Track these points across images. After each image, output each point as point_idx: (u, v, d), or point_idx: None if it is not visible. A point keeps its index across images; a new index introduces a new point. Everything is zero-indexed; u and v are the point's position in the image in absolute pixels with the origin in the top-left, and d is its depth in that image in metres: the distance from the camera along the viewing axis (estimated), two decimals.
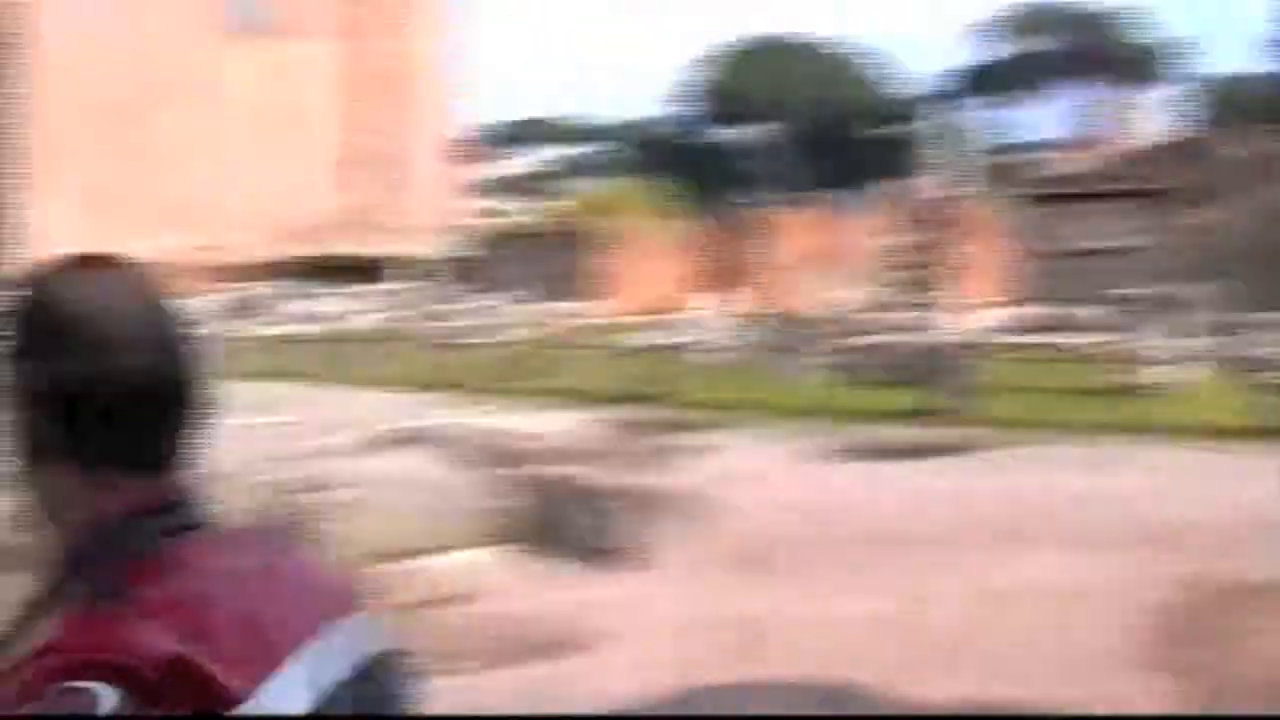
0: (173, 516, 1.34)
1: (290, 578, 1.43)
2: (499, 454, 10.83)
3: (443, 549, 9.28)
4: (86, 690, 1.16)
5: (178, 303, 1.42)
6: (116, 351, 1.30)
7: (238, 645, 1.24)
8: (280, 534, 1.57)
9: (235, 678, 1.21)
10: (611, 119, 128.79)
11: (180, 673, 1.19)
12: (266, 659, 1.26)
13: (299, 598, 1.39)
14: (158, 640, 1.20)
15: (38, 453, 1.31)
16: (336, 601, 1.44)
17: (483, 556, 9.36)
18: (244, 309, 49.60)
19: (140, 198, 75.40)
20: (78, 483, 1.31)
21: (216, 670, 1.20)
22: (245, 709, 1.20)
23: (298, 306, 51.40)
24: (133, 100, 76.93)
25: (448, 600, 8.84)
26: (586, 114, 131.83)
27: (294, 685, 1.27)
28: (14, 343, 1.33)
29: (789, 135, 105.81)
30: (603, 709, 6.87)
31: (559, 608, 8.76)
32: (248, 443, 10.72)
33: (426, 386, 25.38)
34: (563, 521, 9.98)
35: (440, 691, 6.74)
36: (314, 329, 41.33)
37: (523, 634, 8.22)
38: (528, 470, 10.47)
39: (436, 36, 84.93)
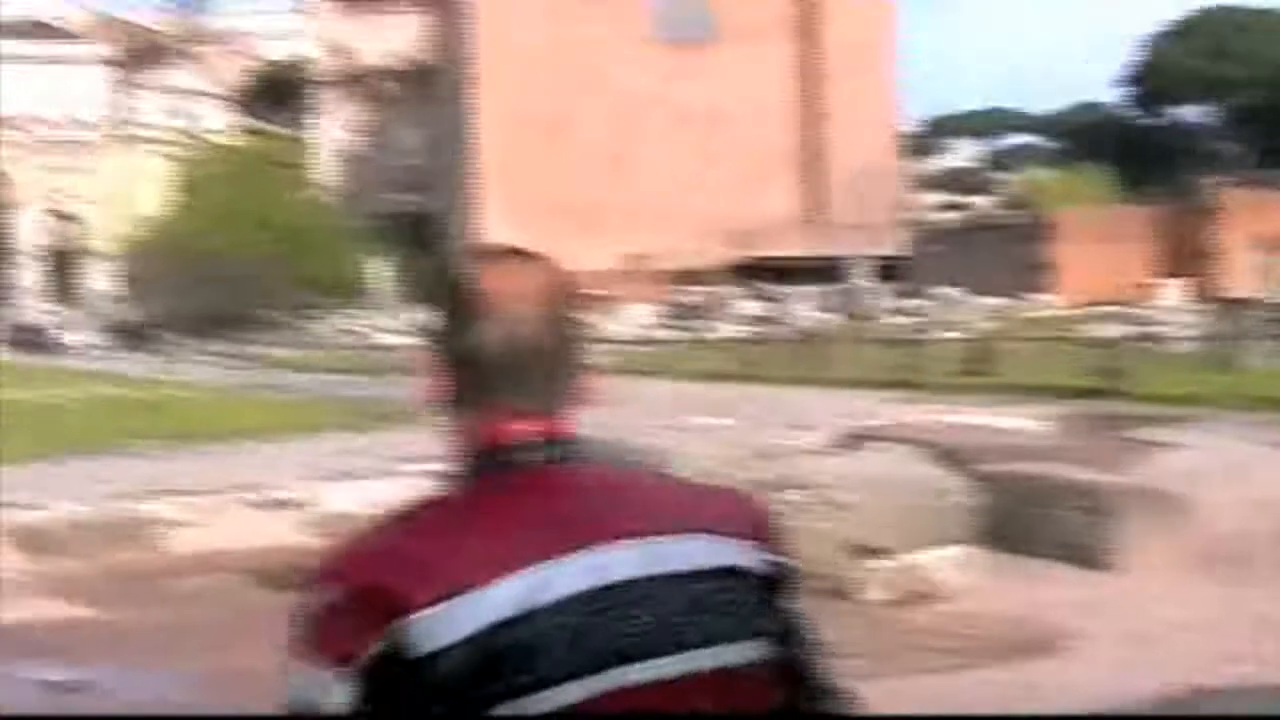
0: (534, 451, 1.66)
1: (603, 498, 1.67)
2: (964, 451, 10.82)
3: (914, 547, 9.34)
4: (318, 679, 1.53)
5: (571, 287, 1.84)
6: (510, 322, 1.67)
7: (451, 571, 1.52)
8: (637, 461, 1.82)
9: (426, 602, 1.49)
10: (1050, 108, 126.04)
11: (373, 600, 1.51)
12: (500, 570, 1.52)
13: (592, 517, 1.62)
14: (378, 563, 1.56)
15: (454, 397, 1.69)
16: (657, 521, 1.64)
17: (954, 555, 9.38)
18: (698, 311, 50.77)
19: (592, 207, 78.05)
20: (472, 420, 1.67)
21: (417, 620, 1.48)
22: (424, 614, 1.48)
23: (750, 307, 52.18)
24: (572, 112, 79.72)
25: (919, 599, 8.91)
26: (1023, 104, 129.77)
27: (490, 600, 1.50)
28: (447, 310, 1.73)
29: (1241, 112, 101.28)
30: (1075, 710, 6.81)
31: (1030, 608, 8.71)
32: (717, 442, 11.07)
33: (883, 384, 25.44)
34: (1032, 520, 9.91)
35: (909, 691, 6.84)
36: (767, 330, 41.88)
37: (994, 634, 8.21)
38: (994, 467, 10.42)
39: (878, 32, 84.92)
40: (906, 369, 25.99)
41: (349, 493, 12.12)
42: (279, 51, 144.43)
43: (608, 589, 1.55)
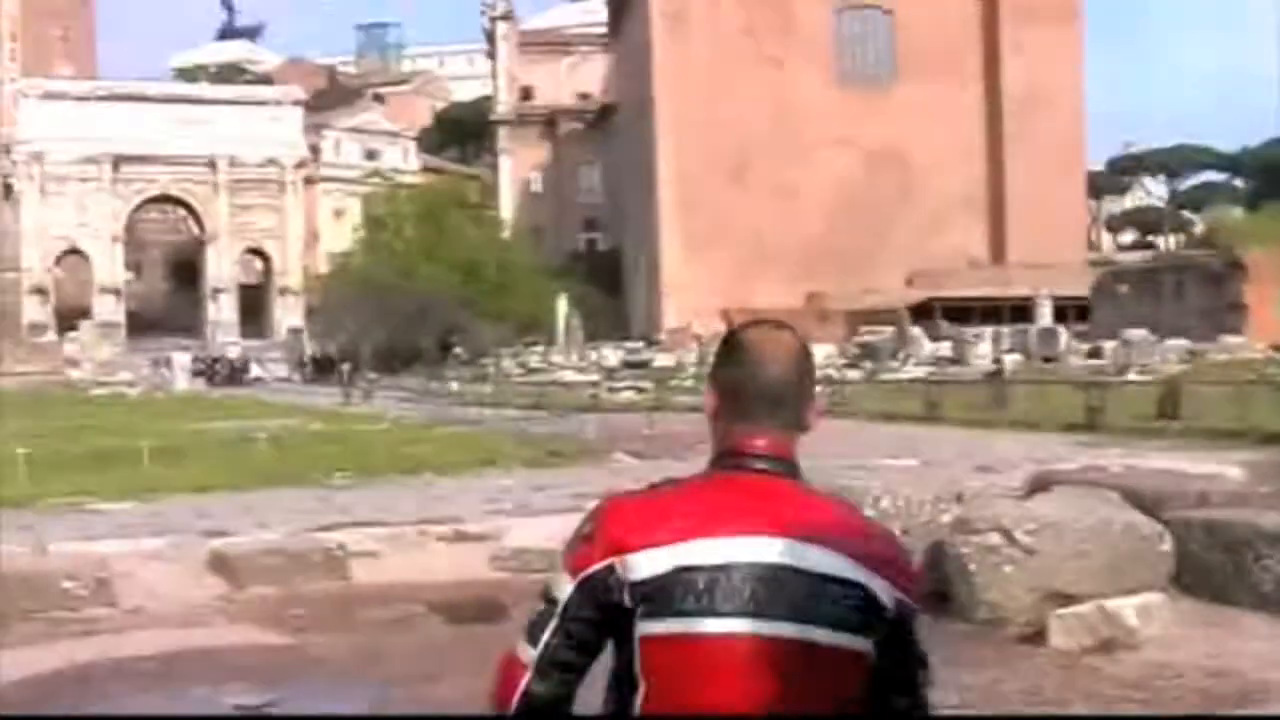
0: (759, 461, 2.45)
1: (795, 511, 2.40)
2: (1157, 496, 10.57)
3: (1106, 593, 9.13)
4: (560, 579, 2.44)
5: (805, 342, 2.57)
6: (759, 366, 2.48)
7: (670, 534, 2.35)
8: (833, 495, 2.60)
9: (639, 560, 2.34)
10: (1239, 144, 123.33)
11: (607, 540, 2.39)
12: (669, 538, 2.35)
13: (778, 523, 2.37)
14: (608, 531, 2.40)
15: (718, 413, 2.52)
16: (817, 531, 2.38)
17: (1147, 602, 9.15)
18: (881, 351, 50.44)
19: (775, 246, 78.07)
20: (724, 431, 2.50)
21: (633, 565, 2.34)
22: (634, 556, 2.34)
23: (933, 348, 51.69)
24: (755, 151, 79.87)
25: (1111, 646, 8.71)
26: (1211, 140, 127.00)
27: (680, 571, 2.32)
28: (718, 359, 2.56)
29: None
30: None
31: (1225, 658, 8.46)
32: (902, 482, 10.94)
33: (1070, 427, 25.01)
34: (1227, 568, 9.65)
35: None
36: (951, 371, 41.45)
37: (1187, 684, 7.99)
38: (1188, 513, 10.16)
39: (1063, 70, 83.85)
40: (1094, 412, 25.49)
41: (529, 528, 12.23)
42: (465, 92, 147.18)
43: (755, 564, 2.32)
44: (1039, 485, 11.07)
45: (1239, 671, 8.12)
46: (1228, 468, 13.58)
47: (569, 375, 52.12)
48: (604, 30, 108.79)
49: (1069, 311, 61.06)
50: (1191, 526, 9.88)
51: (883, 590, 2.38)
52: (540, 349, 67.25)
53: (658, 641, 2.35)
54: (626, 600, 2.35)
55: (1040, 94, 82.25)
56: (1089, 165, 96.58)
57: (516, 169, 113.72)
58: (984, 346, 47.59)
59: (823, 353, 51.66)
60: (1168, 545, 9.75)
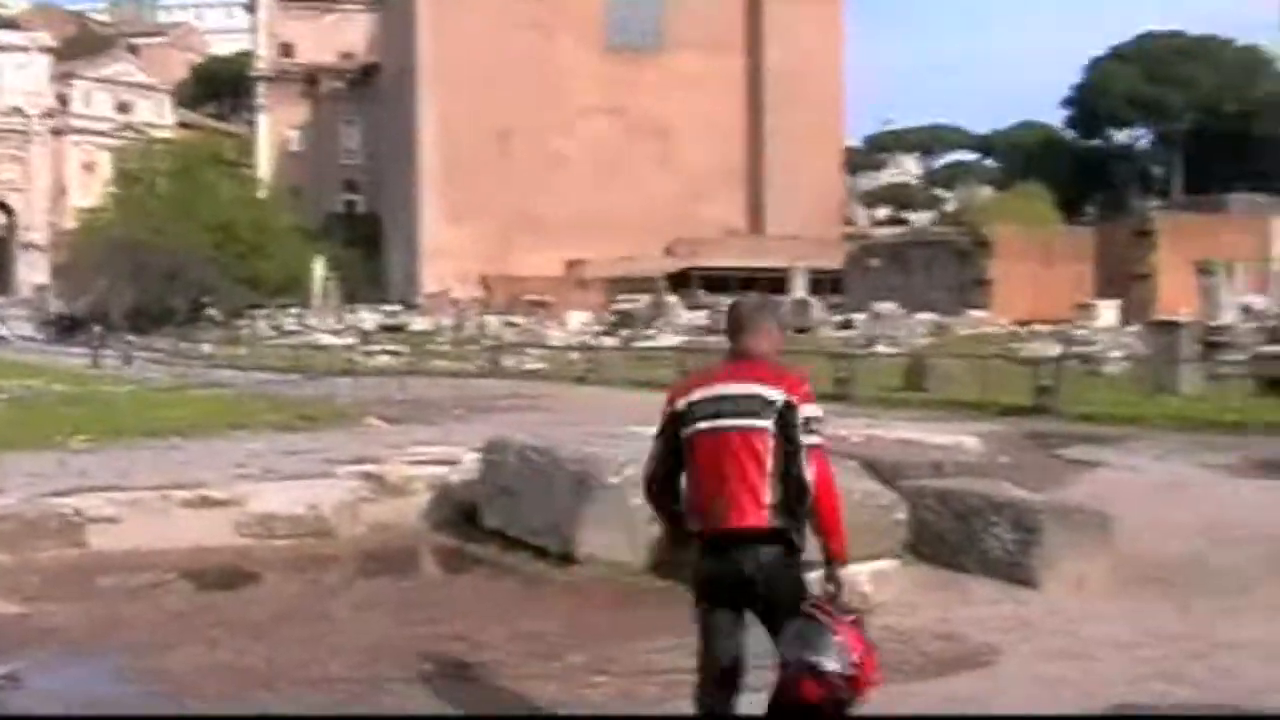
0: (734, 358, 5.58)
1: (744, 372, 5.45)
2: (897, 465, 10.86)
3: (848, 559, 9.34)
4: (664, 411, 5.60)
5: (766, 300, 6.32)
6: (735, 315, 5.68)
7: (695, 388, 5.53)
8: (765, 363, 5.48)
9: (683, 400, 5.49)
10: (990, 127, 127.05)
11: (673, 396, 5.59)
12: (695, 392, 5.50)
13: (735, 378, 5.45)
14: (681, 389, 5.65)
15: (731, 335, 5.65)
16: (760, 378, 5.38)
17: (884, 568, 9.40)
18: (638, 319, 50.75)
19: (537, 214, 78.00)
20: (733, 345, 5.61)
21: (680, 403, 5.50)
22: (680, 402, 5.50)
23: (690, 317, 52.16)
24: (518, 118, 79.64)
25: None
26: (964, 122, 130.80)
27: (694, 403, 5.43)
28: (730, 316, 5.71)
29: (1177, 136, 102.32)
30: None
31: (958, 623, 8.74)
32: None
33: (820, 397, 25.47)
34: (962, 535, 9.95)
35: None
36: (706, 340, 41.87)
37: (920, 648, 8.22)
38: (927, 482, 10.46)
39: (824, 49, 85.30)
40: (843, 382, 26.07)
41: (276, 494, 12.07)
42: (224, 47, 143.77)
43: (718, 396, 5.37)
44: None
45: (966, 635, 8.41)
46: (966, 438, 13.99)
47: (325, 338, 51.43)
48: None
49: (824, 284, 62.21)
50: (926, 495, 10.18)
51: (774, 394, 5.29)
52: (296, 311, 66.23)
53: (687, 441, 5.41)
54: (679, 420, 5.46)
55: (801, 70, 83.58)
56: (847, 142, 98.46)
57: (275, 127, 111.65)
58: None
59: (579, 320, 51.87)
60: (903, 513, 10.03)
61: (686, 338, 43.65)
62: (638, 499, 10.20)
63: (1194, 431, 19.53)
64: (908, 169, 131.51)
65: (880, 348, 36.07)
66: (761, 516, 5.15)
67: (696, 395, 5.37)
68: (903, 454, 11.08)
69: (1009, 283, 51.64)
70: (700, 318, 51.27)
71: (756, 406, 5.21)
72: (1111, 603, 8.71)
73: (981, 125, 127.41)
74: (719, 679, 5.32)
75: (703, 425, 5.28)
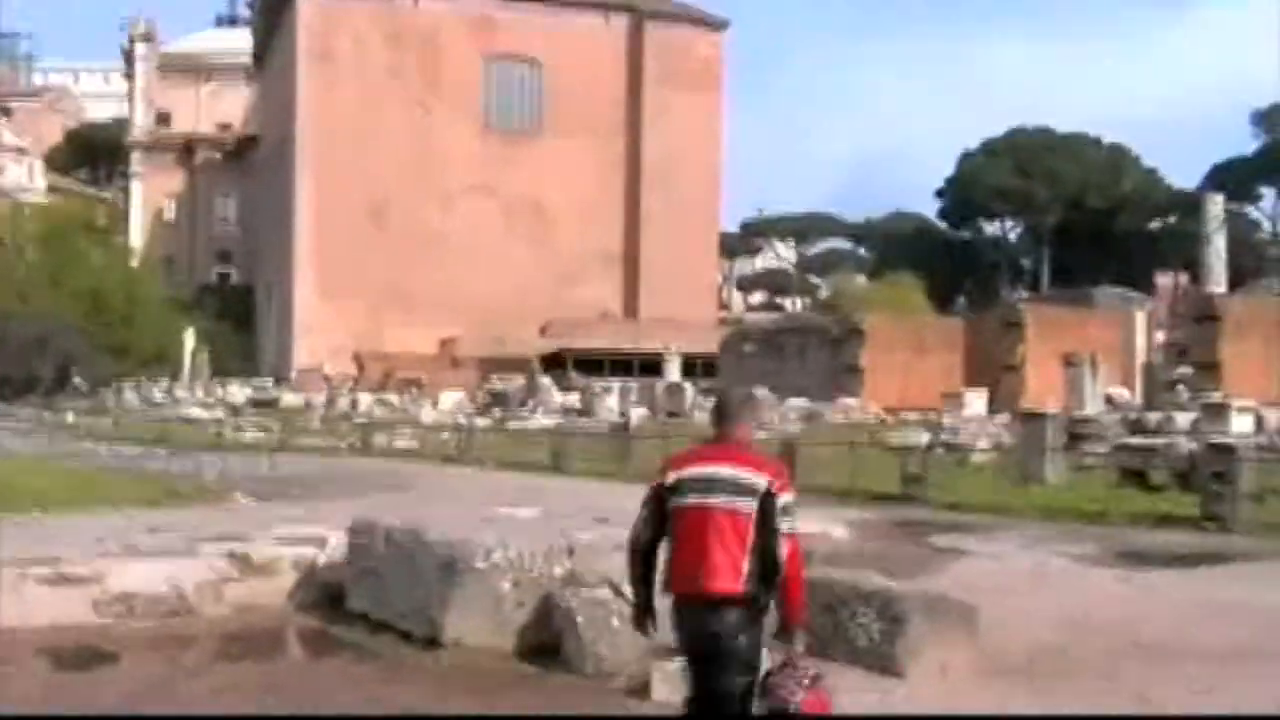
0: (719, 441, 6.48)
1: (730, 456, 6.31)
2: None
3: None
4: (652, 487, 6.48)
5: (748, 394, 7.48)
6: (719, 404, 6.67)
7: (684, 465, 6.38)
8: (741, 447, 6.38)
9: (673, 475, 6.35)
10: (864, 215, 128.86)
11: (664, 470, 6.48)
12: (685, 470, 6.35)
13: (722, 460, 6.28)
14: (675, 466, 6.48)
15: (715, 423, 6.60)
16: (746, 464, 6.26)
17: None
18: (511, 400, 50.64)
19: (411, 291, 77.71)
20: (713, 430, 6.57)
21: (670, 477, 6.33)
22: (671, 477, 6.34)
23: (563, 399, 52.13)
24: (395, 194, 79.50)
25: None
26: (838, 210, 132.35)
27: (683, 479, 6.27)
28: (717, 404, 6.72)
29: (1048, 229, 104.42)
30: None
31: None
32: (521, 534, 11.01)
33: None
34: (829, 624, 9.99)
35: None
36: (579, 422, 41.87)
37: None
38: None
39: (702, 135, 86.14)
40: None
41: (138, 571, 11.84)
42: (100, 112, 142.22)
43: (709, 476, 6.18)
44: None
45: None
46: (834, 527, 14.08)
47: (194, 411, 50.76)
48: (248, 59, 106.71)
49: (697, 367, 62.52)
50: None
51: (759, 480, 6.11)
52: (165, 383, 65.33)
53: (673, 512, 6.19)
54: (667, 493, 6.24)
55: (678, 156, 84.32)
56: (723, 227, 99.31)
57: (150, 196, 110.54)
58: (612, 399, 48.27)
59: (452, 399, 51.63)
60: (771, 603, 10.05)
61: (560, 419, 43.63)
62: (505, 583, 10.22)
63: (1058, 521, 19.82)
64: (783, 255, 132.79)
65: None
66: (737, 584, 6.03)
67: (686, 472, 6.25)
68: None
69: (880, 371, 52.22)
70: (573, 400, 51.29)
71: (743, 489, 6.10)
72: (974, 692, 8.78)
73: (856, 214, 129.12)
74: (698, 698, 6.31)
75: (691, 500, 6.15)
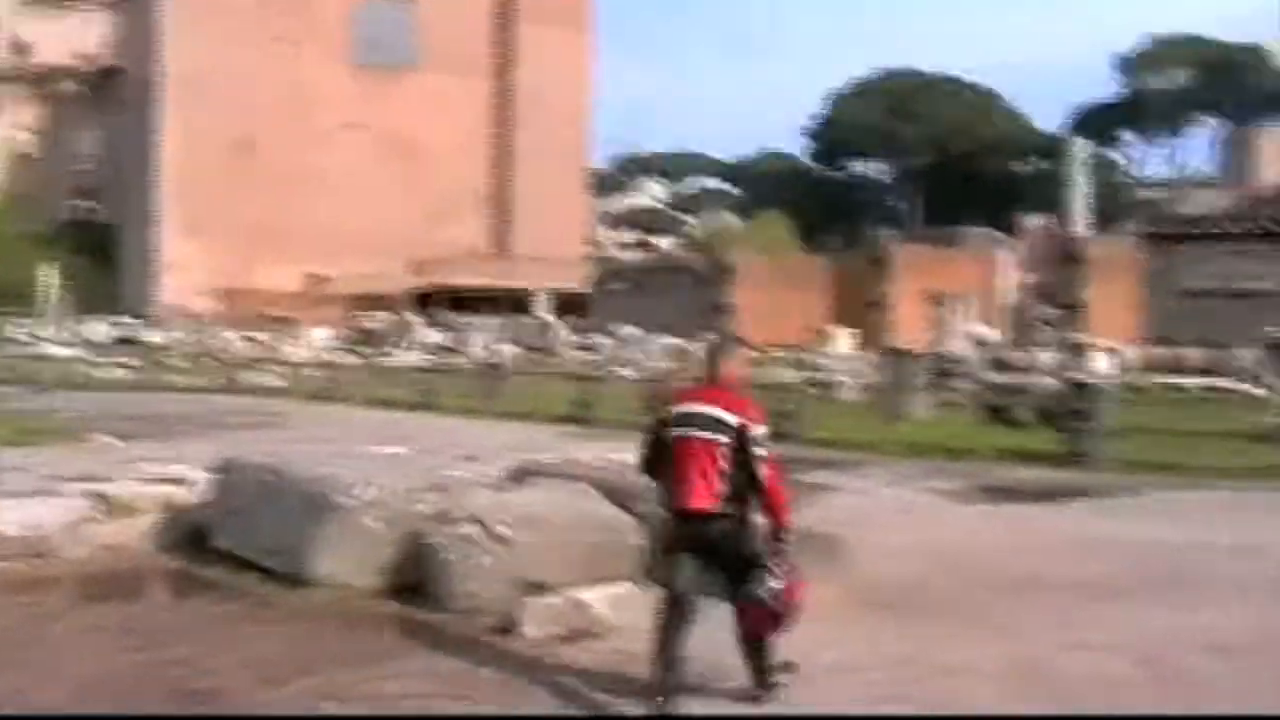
0: (707, 382, 7.63)
1: (712, 396, 7.44)
2: (637, 489, 10.87)
3: (578, 584, 9.34)
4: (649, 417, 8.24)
5: (729, 338, 9.31)
6: (707, 351, 7.95)
7: (674, 403, 7.61)
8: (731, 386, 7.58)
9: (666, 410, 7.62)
10: (736, 155, 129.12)
11: (659, 402, 8.37)
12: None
13: (705, 400, 7.43)
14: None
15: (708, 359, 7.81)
16: (722, 404, 7.37)
17: (618, 592, 9.40)
18: (379, 337, 50.27)
19: (279, 227, 76.73)
20: (707, 364, 7.73)
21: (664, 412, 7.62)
22: (670, 410, 7.56)
23: (431, 336, 51.82)
24: (262, 129, 78.32)
25: (580, 636, 8.90)
26: (710, 149, 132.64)
27: (676, 415, 7.51)
28: (706, 350, 8.03)
29: (917, 170, 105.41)
30: None
31: (694, 647, 8.76)
32: (387, 471, 10.91)
33: (559, 419, 25.61)
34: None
35: None
36: (447, 359, 41.65)
37: (646, 673, 8.24)
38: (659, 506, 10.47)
39: (573, 72, 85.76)
40: (583, 405, 26.16)
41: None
42: None
43: (689, 413, 7.36)
44: (519, 477, 11.22)
45: (697, 657, 8.44)
46: None
47: (53, 350, 49.70)
48: None
49: (567, 306, 62.46)
50: (657, 518, 10.20)
51: (730, 417, 7.23)
52: (23, 321, 63.92)
53: (667, 442, 7.37)
54: (663, 425, 7.47)
55: (549, 93, 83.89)
56: (594, 165, 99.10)
57: (6, 129, 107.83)
58: (481, 337, 48.10)
59: (321, 337, 51.14)
60: (639, 538, 10.07)
61: (429, 356, 43.36)
62: (373, 520, 10.12)
63: (925, 457, 20.11)
64: (654, 194, 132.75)
65: (621, 371, 36.28)
66: (713, 503, 7.24)
67: (678, 409, 7.49)
68: (638, 478, 11.07)
69: (749, 309, 52.39)
70: (443, 338, 51.03)
71: (716, 425, 7.27)
72: (840, 627, 8.84)
73: (727, 153, 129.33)
74: (674, 603, 7.43)
75: (677, 432, 7.37)
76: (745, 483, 7.29)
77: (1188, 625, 9.50)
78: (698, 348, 45.42)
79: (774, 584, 7.29)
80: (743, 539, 7.37)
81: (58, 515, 11.62)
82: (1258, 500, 16.15)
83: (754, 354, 43.19)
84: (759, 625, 7.42)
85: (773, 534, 7.42)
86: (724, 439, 7.23)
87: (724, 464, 7.23)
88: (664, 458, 7.47)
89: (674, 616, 7.45)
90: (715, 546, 7.33)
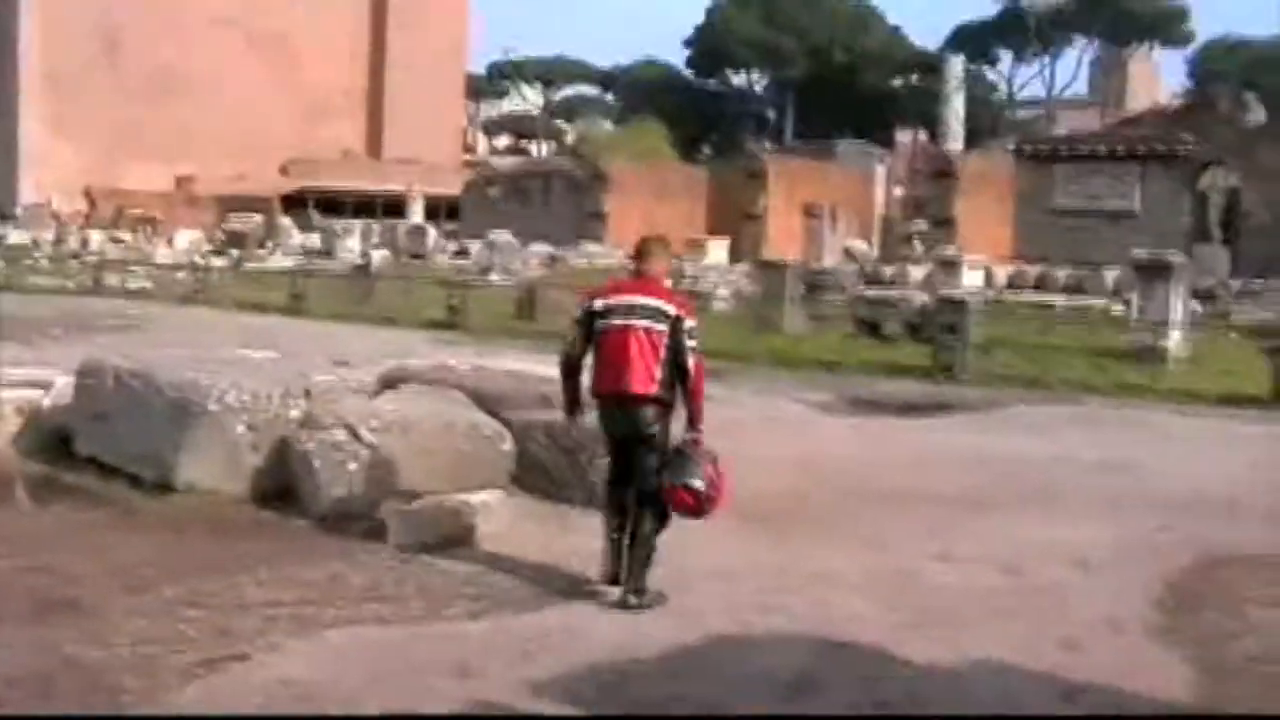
0: (637, 276, 8.26)
1: (647, 289, 8.03)
2: (502, 397, 10.82)
3: (449, 490, 9.30)
4: (579, 310, 8.16)
5: (663, 237, 8.93)
6: (640, 245, 8.41)
7: (609, 295, 8.05)
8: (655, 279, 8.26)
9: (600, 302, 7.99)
10: (612, 62, 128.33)
11: (591, 298, 8.14)
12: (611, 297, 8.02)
13: (641, 292, 8.00)
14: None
15: (636, 258, 8.45)
16: (659, 295, 8.02)
17: (489, 499, 9.38)
18: (248, 240, 49.57)
19: (147, 127, 75.15)
20: (634, 266, 8.42)
21: (598, 303, 7.96)
22: (596, 304, 7.99)
23: (302, 239, 51.21)
24: (131, 26, 76.50)
25: (452, 543, 8.88)
26: (587, 55, 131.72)
27: (610, 305, 7.92)
28: (637, 246, 8.49)
29: (795, 81, 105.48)
30: (595, 661, 6.88)
31: (561, 555, 8.77)
32: (256, 376, 10.75)
33: (431, 325, 25.46)
34: (568, 468, 10.01)
35: (431, 634, 6.77)
36: (318, 263, 41.22)
37: (522, 580, 8.24)
38: (532, 414, 10.44)
39: None
40: (455, 311, 26.03)
41: None
42: None
43: (630, 304, 7.83)
44: (389, 383, 11.11)
45: (567, 565, 8.46)
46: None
47: None
48: None
49: (441, 210, 61.97)
50: (533, 427, 10.19)
51: (669, 308, 7.82)
52: None
53: (600, 331, 7.80)
54: (595, 316, 7.84)
55: None
56: (470, 69, 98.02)
57: None
58: (354, 240, 47.63)
59: (189, 239, 50.32)
60: (509, 445, 10.05)
61: (300, 259, 42.86)
62: (240, 426, 9.99)
63: (795, 369, 20.26)
64: (530, 99, 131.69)
65: (494, 277, 36.12)
66: (651, 387, 7.78)
67: (612, 300, 7.93)
68: (511, 386, 11.04)
69: (623, 217, 52.32)
70: (314, 240, 50.44)
71: (657, 315, 7.80)
72: (713, 536, 8.88)
73: (604, 60, 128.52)
74: (617, 478, 8.13)
75: (617, 321, 7.82)
76: (674, 372, 7.82)
77: (1052, 538, 9.68)
78: (575, 255, 45.51)
79: (709, 470, 7.78)
80: (666, 422, 7.95)
81: None
82: (1116, 416, 16.48)
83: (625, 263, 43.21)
84: (681, 508, 7.84)
85: (690, 423, 7.93)
86: (662, 328, 7.78)
87: (662, 351, 7.78)
88: (591, 348, 7.97)
89: (617, 487, 8.13)
90: (648, 429, 7.85)
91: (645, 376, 7.74)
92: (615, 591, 7.88)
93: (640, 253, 8.31)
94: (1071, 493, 11.41)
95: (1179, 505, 10.89)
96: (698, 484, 7.70)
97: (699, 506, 7.79)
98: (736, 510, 8.90)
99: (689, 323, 7.84)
